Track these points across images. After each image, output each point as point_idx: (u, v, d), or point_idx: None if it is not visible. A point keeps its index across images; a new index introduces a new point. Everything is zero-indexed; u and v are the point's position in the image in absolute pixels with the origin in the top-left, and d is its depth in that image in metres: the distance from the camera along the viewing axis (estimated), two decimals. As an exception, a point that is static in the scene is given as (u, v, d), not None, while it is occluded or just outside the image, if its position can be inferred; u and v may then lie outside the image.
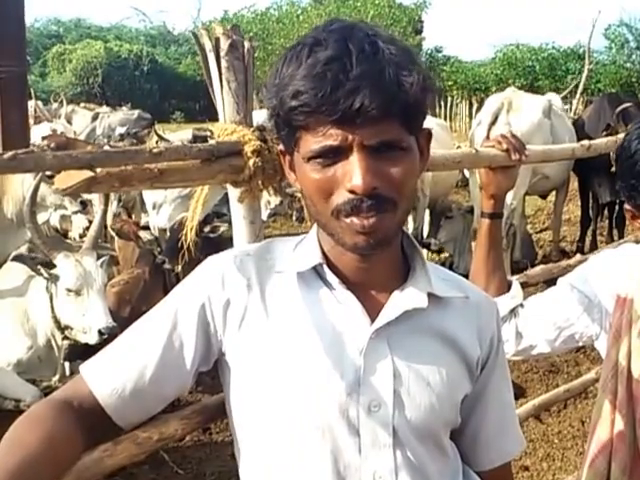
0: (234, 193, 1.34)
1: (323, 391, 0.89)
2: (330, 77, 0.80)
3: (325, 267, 0.93)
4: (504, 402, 1.06)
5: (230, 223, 1.43)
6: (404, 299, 0.93)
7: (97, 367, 0.94)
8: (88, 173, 1.00)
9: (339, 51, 0.81)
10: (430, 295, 0.94)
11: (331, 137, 0.83)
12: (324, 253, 0.94)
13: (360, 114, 0.80)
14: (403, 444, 0.91)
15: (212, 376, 0.99)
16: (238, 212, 1.37)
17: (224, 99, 1.26)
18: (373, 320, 0.92)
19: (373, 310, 0.93)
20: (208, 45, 1.21)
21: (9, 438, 0.83)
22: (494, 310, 1.05)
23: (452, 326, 0.97)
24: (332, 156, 0.84)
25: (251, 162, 1.25)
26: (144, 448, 1.19)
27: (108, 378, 0.92)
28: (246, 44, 1.22)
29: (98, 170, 1.01)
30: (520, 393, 3.60)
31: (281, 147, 0.95)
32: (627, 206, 1.34)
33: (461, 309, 0.99)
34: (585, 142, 2.28)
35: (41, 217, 3.62)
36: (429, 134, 0.94)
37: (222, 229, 3.74)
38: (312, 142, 0.84)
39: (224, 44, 1.19)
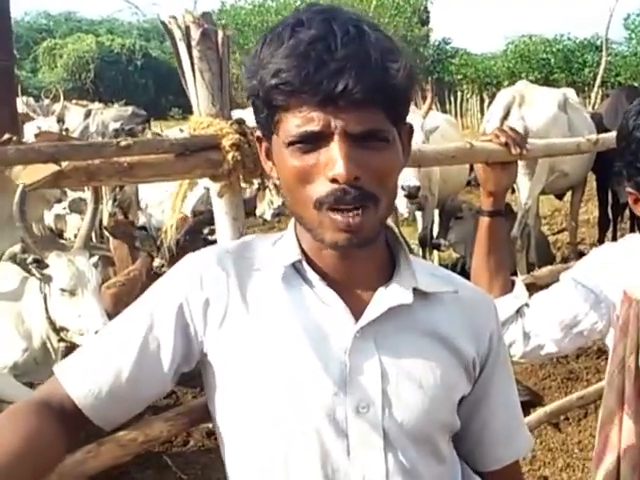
0: (214, 188, 1.31)
1: (308, 392, 0.86)
2: (314, 56, 0.77)
3: (305, 264, 0.90)
4: (509, 402, 1.02)
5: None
6: (388, 296, 0.90)
7: (72, 368, 0.92)
8: (55, 167, 0.96)
9: (323, 31, 0.78)
10: (416, 291, 0.91)
11: (313, 121, 0.79)
12: (303, 249, 0.91)
13: (344, 96, 0.77)
14: (395, 447, 0.88)
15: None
16: (220, 208, 1.34)
17: (198, 91, 1.22)
18: (358, 319, 0.88)
19: (357, 308, 0.89)
20: (178, 34, 1.17)
21: None
22: (491, 307, 1.01)
23: (442, 323, 0.93)
24: (313, 142, 0.81)
25: (230, 156, 1.21)
26: (128, 450, 1.17)
27: (83, 379, 0.90)
28: (220, 33, 1.18)
29: (64, 164, 0.97)
30: (537, 401, 3.44)
31: (258, 133, 0.91)
32: (629, 189, 1.28)
33: (451, 305, 0.95)
34: (592, 136, 2.21)
35: (41, 211, 3.56)
36: (411, 129, 0.91)
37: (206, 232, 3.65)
38: (293, 126, 0.81)
39: (195, 33, 1.16)
